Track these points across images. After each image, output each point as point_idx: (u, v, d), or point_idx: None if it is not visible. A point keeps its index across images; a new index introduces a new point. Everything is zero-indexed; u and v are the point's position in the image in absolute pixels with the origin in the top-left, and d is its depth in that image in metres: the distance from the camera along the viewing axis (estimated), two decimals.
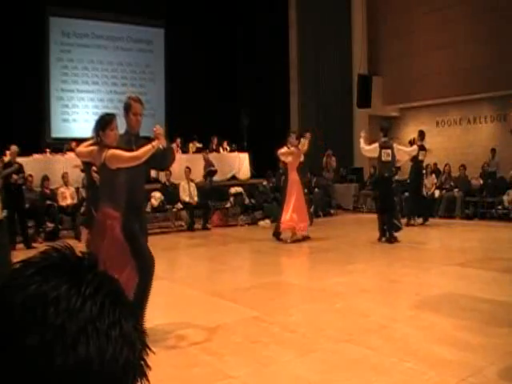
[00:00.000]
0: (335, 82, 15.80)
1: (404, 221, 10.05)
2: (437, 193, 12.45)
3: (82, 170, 8.26)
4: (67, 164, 11.21)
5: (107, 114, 4.07)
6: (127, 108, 4.25)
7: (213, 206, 11.62)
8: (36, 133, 14.10)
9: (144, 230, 4.33)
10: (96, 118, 4.05)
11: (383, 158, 8.54)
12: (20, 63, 13.30)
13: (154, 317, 4.83)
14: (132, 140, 4.20)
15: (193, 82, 15.91)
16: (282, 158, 9.27)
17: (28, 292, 0.49)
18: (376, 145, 8.67)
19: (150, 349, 0.56)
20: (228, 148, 14.30)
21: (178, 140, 13.24)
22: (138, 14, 15.98)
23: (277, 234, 9.17)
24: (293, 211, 8.74)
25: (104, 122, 3.95)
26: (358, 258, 7.67)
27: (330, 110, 15.73)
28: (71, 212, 10.09)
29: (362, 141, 8.91)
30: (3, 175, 8.78)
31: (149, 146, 3.89)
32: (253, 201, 12.50)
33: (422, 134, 11.02)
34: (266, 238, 9.80)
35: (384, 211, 8.56)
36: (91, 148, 4.01)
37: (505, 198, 11.25)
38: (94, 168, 8.07)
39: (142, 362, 0.54)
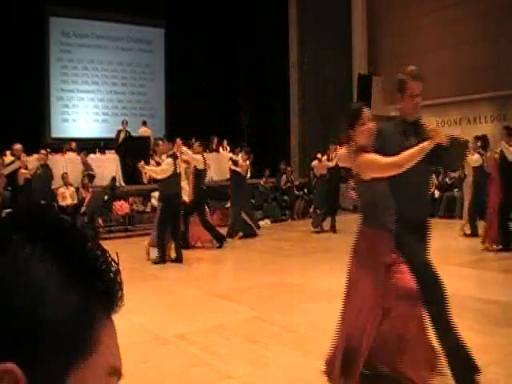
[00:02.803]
0: (335, 82, 15.80)
1: None
2: (437, 193, 12.45)
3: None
4: (67, 164, 11.23)
5: (353, 104, 3.15)
6: (401, 88, 3.14)
7: (213, 206, 11.61)
8: (36, 133, 14.10)
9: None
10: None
11: None
12: (20, 63, 13.29)
13: (155, 316, 4.84)
14: (410, 130, 3.11)
15: (193, 82, 15.91)
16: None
17: None
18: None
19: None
20: (228, 148, 14.29)
21: (178, 140, 13.22)
22: (138, 14, 15.98)
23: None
24: None
25: (351, 117, 2.97)
26: None
27: (329, 110, 15.72)
28: (71, 212, 10.08)
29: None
30: (7, 172, 8.78)
31: (416, 149, 2.82)
32: (253, 201, 12.49)
33: None
34: (267, 238, 9.81)
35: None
36: (346, 150, 3.07)
37: None
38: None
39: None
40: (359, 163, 2.89)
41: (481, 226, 8.57)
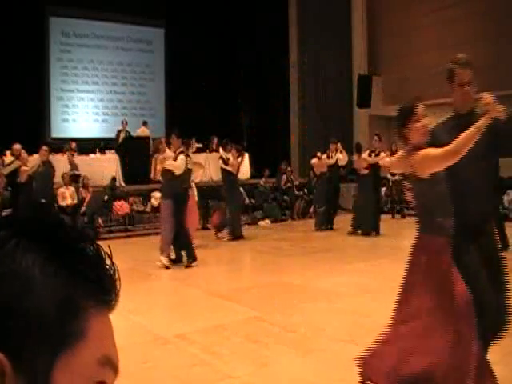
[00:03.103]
0: (335, 82, 15.80)
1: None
2: None
3: None
4: (67, 164, 11.22)
5: (405, 102, 2.85)
6: (450, 77, 2.88)
7: (212, 206, 11.61)
8: (36, 133, 14.09)
9: (491, 262, 2.82)
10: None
11: None
12: (20, 63, 13.29)
13: (155, 316, 4.84)
14: (461, 124, 2.72)
15: (193, 82, 15.91)
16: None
17: None
18: None
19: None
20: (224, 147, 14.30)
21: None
22: (138, 14, 15.98)
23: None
24: None
25: (403, 114, 2.75)
26: (358, 257, 7.67)
27: (329, 110, 15.74)
28: (71, 212, 10.08)
29: None
30: (7, 172, 8.79)
31: (471, 129, 2.51)
32: (253, 201, 12.50)
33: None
34: (266, 238, 9.81)
35: None
36: (399, 154, 2.87)
37: (505, 197, 11.25)
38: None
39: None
40: (414, 162, 2.67)
41: None
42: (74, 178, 10.67)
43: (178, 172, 7.20)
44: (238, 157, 9.78)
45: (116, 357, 0.53)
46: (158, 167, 7.34)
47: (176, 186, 7.20)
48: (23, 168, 8.87)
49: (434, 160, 2.60)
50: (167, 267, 6.93)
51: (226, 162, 9.63)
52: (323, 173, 10.88)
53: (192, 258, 7.12)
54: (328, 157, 10.88)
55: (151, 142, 13.15)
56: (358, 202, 10.12)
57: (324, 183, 10.87)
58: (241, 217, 10.30)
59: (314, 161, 11.13)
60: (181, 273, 6.94)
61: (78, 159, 11.70)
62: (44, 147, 9.65)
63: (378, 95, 15.09)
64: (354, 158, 10.19)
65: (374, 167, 9.79)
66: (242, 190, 12.40)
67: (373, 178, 9.79)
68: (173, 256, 7.40)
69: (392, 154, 12.60)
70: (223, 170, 9.76)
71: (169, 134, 8.69)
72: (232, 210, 9.57)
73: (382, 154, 9.84)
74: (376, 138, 10.18)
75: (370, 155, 9.86)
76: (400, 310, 2.82)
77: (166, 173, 7.22)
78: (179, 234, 7.19)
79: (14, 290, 0.47)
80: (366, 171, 9.74)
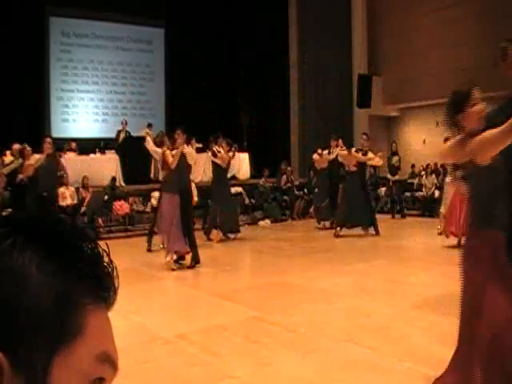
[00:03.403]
0: (335, 82, 15.80)
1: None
2: (437, 193, 12.46)
3: None
4: (67, 164, 11.20)
5: (460, 89, 2.63)
6: (503, 55, 2.81)
7: (212, 205, 11.60)
8: (36, 133, 14.07)
9: None
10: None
11: None
12: (20, 63, 13.29)
13: (155, 317, 4.84)
14: None
15: (193, 82, 15.91)
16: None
17: None
18: None
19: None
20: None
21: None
22: (138, 14, 15.97)
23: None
24: None
25: (459, 100, 2.58)
26: (358, 258, 7.67)
27: (329, 109, 15.74)
28: (71, 212, 10.08)
29: None
30: (7, 171, 8.78)
31: None
32: (253, 201, 12.50)
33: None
34: (266, 238, 9.80)
35: None
36: (450, 143, 2.66)
37: None
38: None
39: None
40: (471, 148, 2.47)
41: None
42: (62, 179, 10.45)
43: (191, 161, 7.10)
44: (228, 151, 9.55)
45: (115, 354, 0.53)
46: (171, 159, 6.88)
47: (184, 180, 7.03)
48: (28, 163, 8.80)
49: (491, 141, 2.42)
50: (173, 269, 6.77)
51: (214, 154, 9.42)
52: (323, 168, 10.99)
53: (196, 260, 7.01)
54: (329, 153, 10.97)
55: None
56: (345, 199, 10.01)
57: (325, 179, 10.98)
58: (237, 210, 10.25)
59: (314, 156, 11.22)
60: (181, 273, 6.93)
61: (79, 159, 11.68)
62: (48, 139, 9.50)
63: (378, 95, 15.09)
64: (343, 153, 10.26)
65: (362, 165, 9.92)
66: (241, 189, 12.42)
67: (360, 176, 9.88)
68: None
69: (393, 154, 12.71)
70: (213, 164, 9.60)
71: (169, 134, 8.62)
72: (224, 209, 9.33)
73: (370, 154, 9.92)
74: (364, 137, 10.33)
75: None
76: (467, 310, 2.62)
77: (182, 160, 6.90)
78: (192, 232, 7.11)
79: (11, 288, 0.47)
80: (355, 168, 9.80)
